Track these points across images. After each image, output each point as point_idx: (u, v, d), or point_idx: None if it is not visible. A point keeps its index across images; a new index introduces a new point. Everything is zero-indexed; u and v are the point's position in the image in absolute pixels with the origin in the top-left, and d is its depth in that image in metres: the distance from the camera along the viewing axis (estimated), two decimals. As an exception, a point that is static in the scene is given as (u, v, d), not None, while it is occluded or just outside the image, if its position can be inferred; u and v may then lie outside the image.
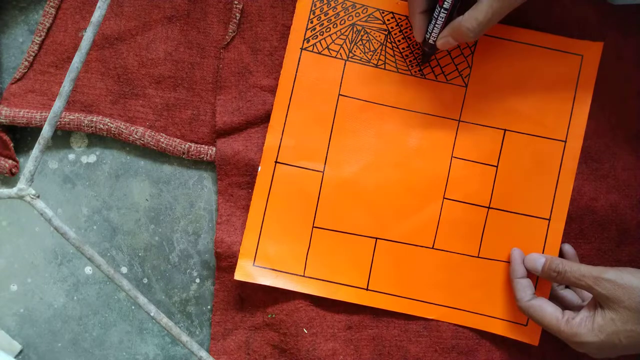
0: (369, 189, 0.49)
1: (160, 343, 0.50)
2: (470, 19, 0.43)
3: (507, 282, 0.49)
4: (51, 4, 0.49)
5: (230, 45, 0.50)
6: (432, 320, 0.49)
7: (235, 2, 0.49)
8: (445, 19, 0.44)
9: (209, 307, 0.51)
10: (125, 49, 0.50)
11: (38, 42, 0.49)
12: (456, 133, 0.50)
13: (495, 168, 0.50)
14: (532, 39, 0.49)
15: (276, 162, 0.49)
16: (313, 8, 0.49)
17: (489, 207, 0.50)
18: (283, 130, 0.49)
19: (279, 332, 0.49)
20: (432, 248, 0.49)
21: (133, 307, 0.50)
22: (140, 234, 0.50)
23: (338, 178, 0.49)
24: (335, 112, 0.49)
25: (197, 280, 0.51)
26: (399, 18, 0.49)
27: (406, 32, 0.49)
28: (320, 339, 0.49)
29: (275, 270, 0.49)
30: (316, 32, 0.49)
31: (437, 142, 0.50)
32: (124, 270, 0.50)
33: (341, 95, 0.49)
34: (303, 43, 0.49)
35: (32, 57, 0.49)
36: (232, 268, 0.49)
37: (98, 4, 0.42)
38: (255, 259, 0.48)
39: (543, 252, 0.49)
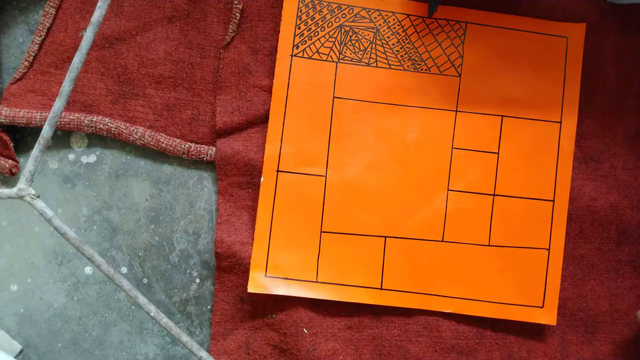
0: (373, 188, 0.49)
1: (160, 343, 0.50)
2: None
3: (520, 267, 0.49)
4: (51, 4, 0.49)
5: (230, 45, 0.50)
6: (432, 320, 0.50)
7: (235, 2, 0.49)
8: None
9: (209, 307, 0.51)
10: (125, 49, 0.50)
11: (38, 42, 0.49)
12: (454, 124, 0.50)
13: (497, 155, 0.50)
14: (519, 25, 0.50)
15: (278, 171, 0.49)
16: (299, 14, 0.49)
17: (494, 195, 0.50)
18: (282, 139, 0.49)
19: (279, 332, 0.49)
20: (442, 241, 0.49)
21: (133, 307, 0.50)
22: (140, 234, 0.50)
23: (341, 180, 0.49)
24: (332, 115, 0.49)
25: (197, 280, 0.51)
26: (386, 15, 0.49)
27: (394, 28, 0.49)
28: (320, 339, 0.49)
29: (288, 279, 0.48)
30: (305, 37, 0.49)
31: (436, 135, 0.50)
32: (124, 270, 0.50)
33: (336, 97, 0.49)
34: (293, 50, 0.49)
35: (32, 57, 0.49)
36: (232, 268, 0.49)
37: (98, 4, 0.42)
38: (266, 269, 0.48)
39: (550, 234, 0.50)
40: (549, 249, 0.50)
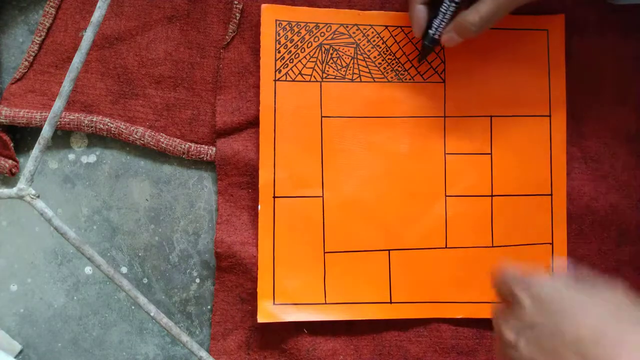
0: (371, 203, 0.49)
1: (160, 343, 0.50)
2: (473, 13, 0.42)
3: (526, 265, 0.49)
4: (51, 4, 0.49)
5: (230, 45, 0.50)
6: (432, 320, 0.50)
7: (235, 2, 0.49)
8: (454, 13, 0.43)
9: (209, 307, 0.51)
10: (125, 49, 0.50)
11: (38, 42, 0.49)
12: (444, 130, 0.50)
13: (490, 156, 0.50)
14: (497, 23, 0.50)
15: (274, 197, 0.49)
16: (277, 37, 0.48)
17: (492, 196, 0.50)
18: (274, 164, 0.48)
19: (279, 332, 0.49)
20: (446, 248, 0.49)
21: (133, 307, 0.50)
22: (140, 234, 0.50)
23: (338, 199, 0.49)
24: (321, 135, 0.49)
25: (197, 280, 0.51)
26: (364, 29, 0.49)
27: (374, 41, 0.49)
28: (320, 339, 0.49)
29: (297, 304, 0.48)
30: (286, 61, 0.49)
31: (427, 143, 0.50)
32: (124, 270, 0.50)
33: (324, 116, 0.49)
34: (275, 74, 0.49)
35: (32, 57, 0.49)
36: (232, 268, 0.49)
37: (98, 4, 0.42)
38: (274, 297, 0.48)
39: (552, 228, 0.50)
40: (552, 244, 0.50)
